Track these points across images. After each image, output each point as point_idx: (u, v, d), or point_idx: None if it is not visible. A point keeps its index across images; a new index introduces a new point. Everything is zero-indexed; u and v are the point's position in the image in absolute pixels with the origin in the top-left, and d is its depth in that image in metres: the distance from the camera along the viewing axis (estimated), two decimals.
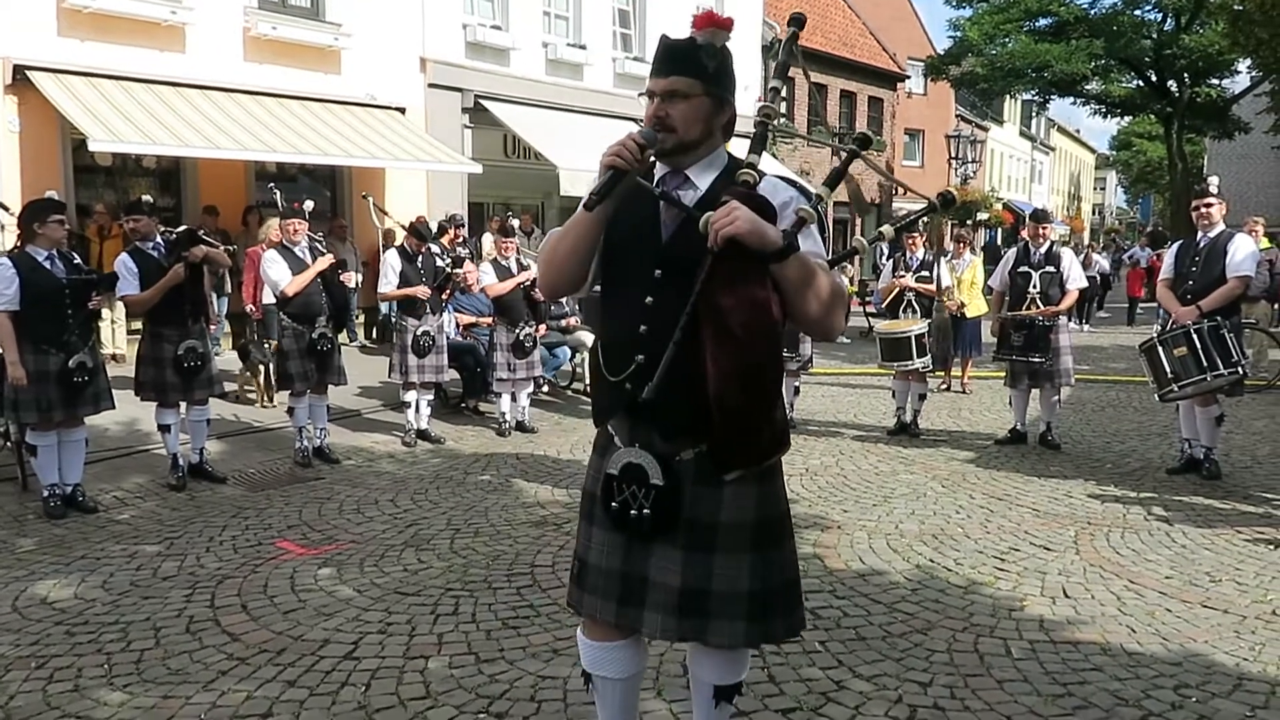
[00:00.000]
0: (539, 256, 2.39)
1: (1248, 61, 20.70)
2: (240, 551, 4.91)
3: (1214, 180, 6.65)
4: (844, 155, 2.27)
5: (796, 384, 8.35)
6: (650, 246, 2.26)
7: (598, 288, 2.47)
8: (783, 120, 22.69)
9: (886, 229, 2.41)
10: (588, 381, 9.68)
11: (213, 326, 8.19)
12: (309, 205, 6.96)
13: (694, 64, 2.22)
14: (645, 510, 2.24)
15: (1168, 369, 6.00)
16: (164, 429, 6.17)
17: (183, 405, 6.22)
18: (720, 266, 2.04)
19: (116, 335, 10.02)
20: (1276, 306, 14.65)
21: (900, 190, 27.51)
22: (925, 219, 2.47)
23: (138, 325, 7.07)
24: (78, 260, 5.75)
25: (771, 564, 2.32)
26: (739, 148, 2.35)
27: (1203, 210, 6.31)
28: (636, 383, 2.21)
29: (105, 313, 9.46)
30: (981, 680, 3.45)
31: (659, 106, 2.23)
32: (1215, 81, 28.42)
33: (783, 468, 2.42)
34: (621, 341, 2.28)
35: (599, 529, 2.38)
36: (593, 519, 2.41)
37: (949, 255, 10.05)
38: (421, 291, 7.32)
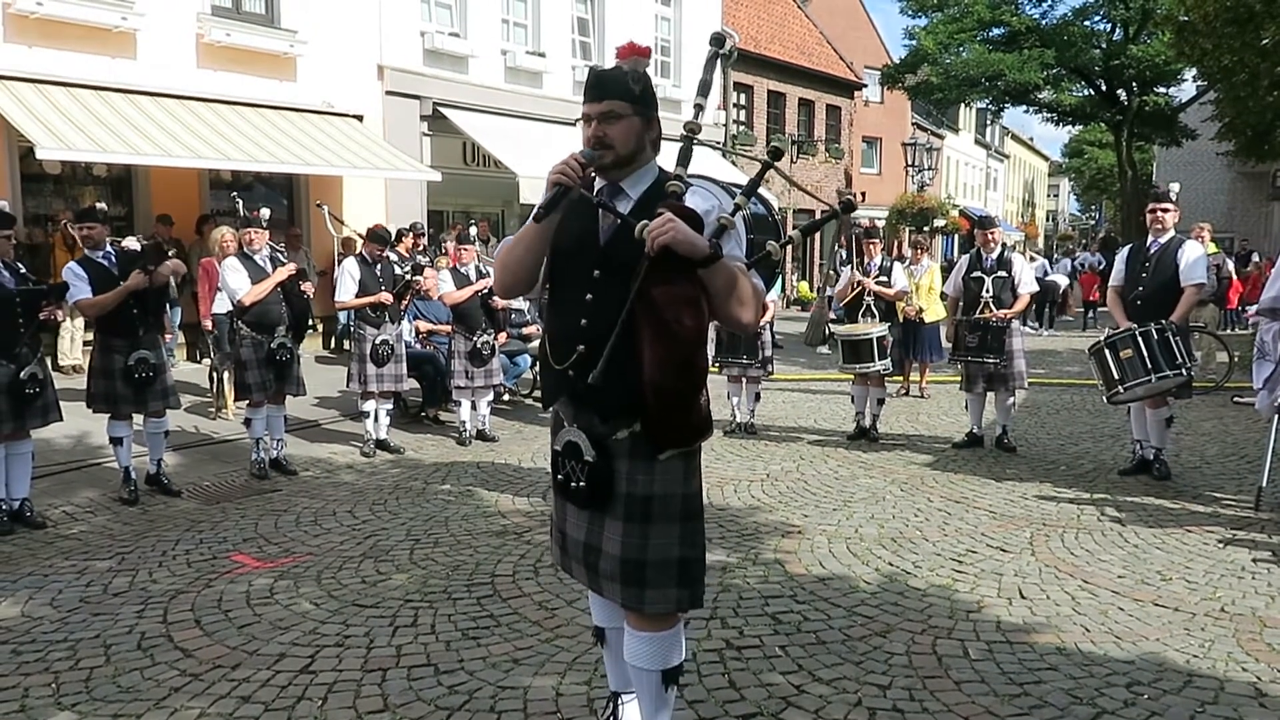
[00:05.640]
0: (495, 262, 2.66)
1: (1193, 71, 21.18)
2: (194, 566, 4.82)
3: (1174, 187, 6.76)
4: (760, 165, 2.57)
5: (758, 390, 8.39)
6: (590, 250, 2.52)
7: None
8: (741, 127, 22.81)
9: (794, 233, 2.69)
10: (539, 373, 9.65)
11: (168, 337, 8.04)
12: (266, 214, 6.86)
13: (623, 88, 2.49)
14: (581, 483, 2.52)
15: (1114, 371, 6.12)
16: (115, 442, 6.05)
17: (139, 417, 6.10)
18: (655, 269, 2.31)
19: (75, 346, 9.80)
20: (1222, 310, 15.01)
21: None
22: (833, 222, 2.76)
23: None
24: (25, 270, 5.64)
25: (697, 534, 2.60)
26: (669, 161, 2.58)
27: (1158, 214, 6.40)
28: (579, 369, 2.48)
29: (65, 324, 9.25)
30: (940, 682, 3.49)
31: (598, 127, 2.48)
32: (1162, 90, 29.08)
33: (701, 452, 2.67)
34: (565, 334, 2.55)
35: (570, 504, 2.64)
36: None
37: (906, 261, 10.19)
38: (385, 298, 7.27)
